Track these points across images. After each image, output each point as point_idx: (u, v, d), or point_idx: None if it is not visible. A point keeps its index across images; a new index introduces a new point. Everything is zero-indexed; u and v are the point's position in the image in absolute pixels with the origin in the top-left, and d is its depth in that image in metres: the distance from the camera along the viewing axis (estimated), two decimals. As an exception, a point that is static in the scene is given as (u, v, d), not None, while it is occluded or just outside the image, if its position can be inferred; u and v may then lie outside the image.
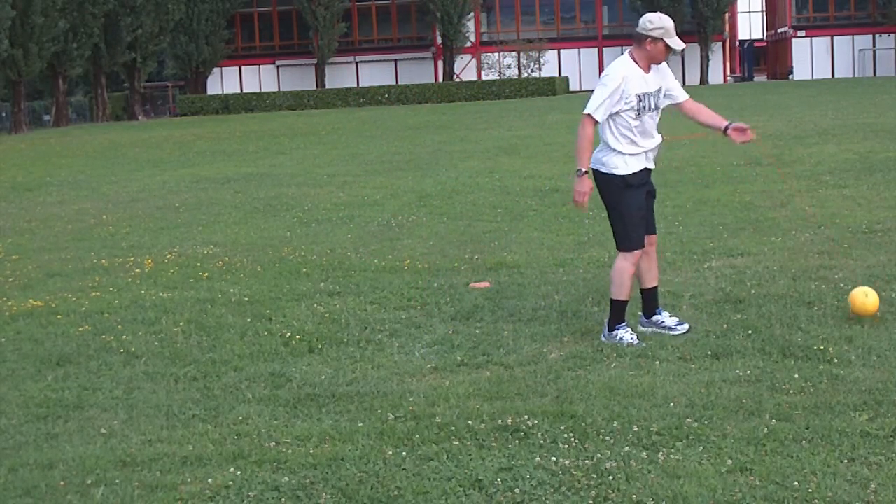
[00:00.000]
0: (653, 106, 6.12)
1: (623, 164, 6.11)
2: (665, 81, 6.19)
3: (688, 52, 66.30)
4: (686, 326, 6.33)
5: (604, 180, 6.18)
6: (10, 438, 5.11)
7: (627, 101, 6.01)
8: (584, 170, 6.12)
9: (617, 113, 6.03)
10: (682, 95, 6.26)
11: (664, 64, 6.20)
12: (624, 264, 6.20)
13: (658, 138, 6.26)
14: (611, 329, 6.22)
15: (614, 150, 6.11)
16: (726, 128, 6.18)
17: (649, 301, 6.47)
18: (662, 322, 6.39)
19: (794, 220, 10.33)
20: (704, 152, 17.52)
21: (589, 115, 6.04)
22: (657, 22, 6.00)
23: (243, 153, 24.78)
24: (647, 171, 6.23)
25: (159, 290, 8.56)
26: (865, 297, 6.36)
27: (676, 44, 6.01)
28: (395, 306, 7.51)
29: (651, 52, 6.03)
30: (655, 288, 6.48)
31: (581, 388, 5.36)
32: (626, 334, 6.17)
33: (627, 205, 6.14)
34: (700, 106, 6.31)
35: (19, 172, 23.08)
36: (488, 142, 23.88)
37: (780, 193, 12.27)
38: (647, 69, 6.08)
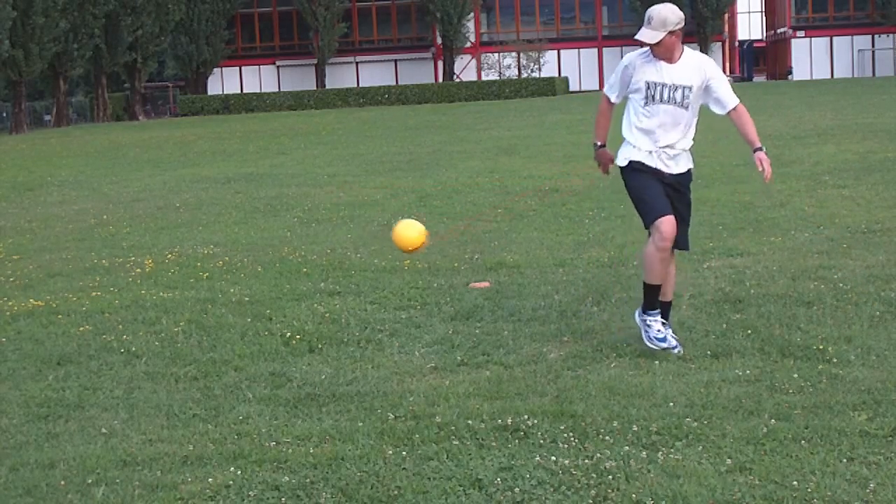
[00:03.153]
0: (669, 98, 5.87)
1: (629, 154, 6.00)
2: (710, 82, 5.93)
3: (688, 53, 66.14)
4: (680, 351, 5.95)
5: (620, 174, 6.11)
6: (11, 438, 5.12)
7: (636, 85, 5.94)
8: (598, 143, 6.19)
9: (631, 97, 6.01)
10: (725, 104, 5.96)
11: (710, 66, 5.95)
12: (649, 248, 5.94)
13: (683, 141, 5.99)
14: (644, 310, 6.04)
15: (625, 139, 6.06)
16: (755, 150, 5.95)
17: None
18: (647, 324, 6.09)
19: (793, 220, 10.34)
20: (704, 152, 17.51)
21: (604, 92, 6.20)
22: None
23: (244, 153, 24.78)
24: (658, 170, 5.96)
25: (160, 289, 8.57)
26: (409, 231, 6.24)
27: (637, 33, 5.88)
28: (395, 306, 7.52)
29: None
30: (668, 303, 6.19)
31: (581, 387, 5.37)
32: (654, 323, 5.95)
33: (633, 186, 6.00)
34: (745, 120, 5.98)
35: (20, 172, 23.08)
36: (488, 142, 23.89)
37: (779, 193, 12.27)
38: (670, 60, 5.87)
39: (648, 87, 5.91)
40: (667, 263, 6.00)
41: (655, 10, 5.81)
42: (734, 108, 5.98)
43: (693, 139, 6.08)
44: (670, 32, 5.79)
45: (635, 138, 5.99)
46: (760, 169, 5.92)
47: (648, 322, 5.99)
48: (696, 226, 10.25)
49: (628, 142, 6.04)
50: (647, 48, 5.92)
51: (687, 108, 5.93)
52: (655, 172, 5.98)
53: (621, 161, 6.06)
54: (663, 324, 6.04)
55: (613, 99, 6.13)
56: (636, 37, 5.87)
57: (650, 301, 6.03)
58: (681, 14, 5.84)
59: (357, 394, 5.48)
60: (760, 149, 5.94)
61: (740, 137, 6.07)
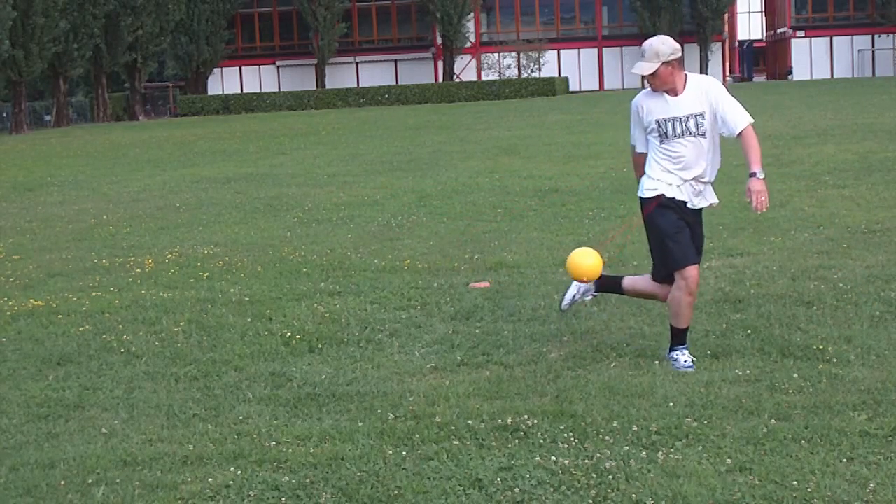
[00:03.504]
0: (683, 130, 5.72)
1: (651, 186, 5.83)
2: (716, 105, 5.74)
3: (687, 53, 66.12)
4: (691, 368, 5.79)
5: (641, 207, 5.94)
6: (11, 438, 5.12)
7: (649, 126, 5.80)
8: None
9: (649, 138, 5.87)
10: (732, 128, 5.73)
11: (714, 86, 5.80)
12: (678, 294, 5.77)
13: (710, 170, 5.83)
14: (670, 350, 5.90)
15: (646, 173, 5.89)
16: (750, 175, 5.69)
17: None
18: (674, 358, 5.91)
19: (793, 220, 10.35)
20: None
21: (631, 144, 6.07)
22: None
23: (244, 153, 24.78)
24: (683, 203, 5.79)
25: (160, 289, 8.57)
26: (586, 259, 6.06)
27: (635, 67, 5.79)
28: (395, 306, 7.52)
29: None
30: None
31: (581, 387, 5.37)
32: (681, 356, 5.83)
33: (662, 225, 5.77)
34: (750, 144, 5.72)
35: (20, 172, 23.08)
36: (488, 142, 23.89)
37: (779, 193, 12.27)
38: (675, 91, 5.75)
39: (660, 125, 5.76)
40: (692, 307, 5.89)
41: (648, 43, 5.75)
42: (741, 133, 5.73)
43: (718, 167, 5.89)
44: (665, 63, 5.67)
45: (660, 175, 5.81)
46: (748, 199, 5.67)
47: (675, 357, 5.84)
48: (696, 226, 10.28)
49: (649, 176, 5.86)
50: (647, 87, 5.86)
51: (704, 135, 5.75)
52: (680, 208, 5.80)
53: (646, 193, 5.85)
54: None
55: (640, 148, 5.97)
56: (633, 70, 5.81)
57: (680, 339, 5.89)
58: (675, 45, 5.72)
59: (357, 394, 5.48)
60: (755, 174, 5.64)
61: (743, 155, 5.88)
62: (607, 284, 6.35)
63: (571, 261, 6.11)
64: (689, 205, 5.81)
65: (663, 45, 5.70)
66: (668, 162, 5.77)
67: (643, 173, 5.96)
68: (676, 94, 5.76)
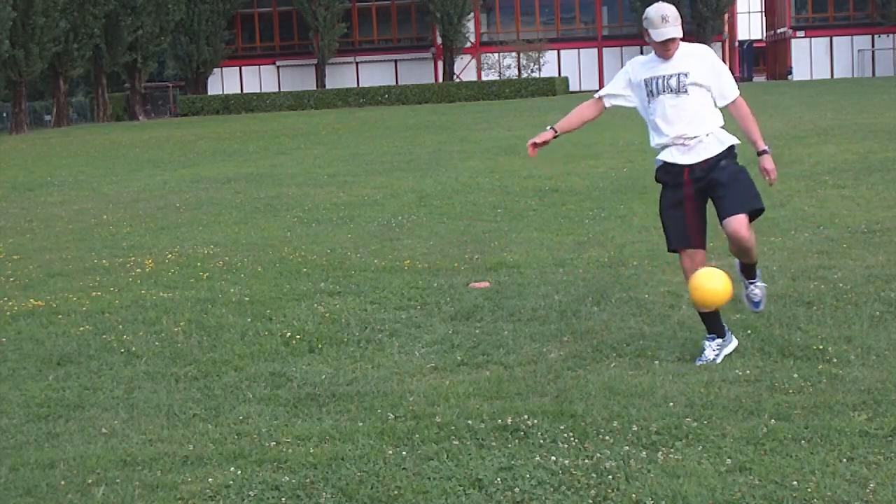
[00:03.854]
0: (664, 87, 5.74)
1: (656, 160, 5.95)
2: (707, 73, 5.76)
3: (688, 53, 66.03)
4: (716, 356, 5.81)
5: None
6: (11, 438, 5.12)
7: (638, 85, 5.91)
8: (550, 126, 6.19)
9: (639, 107, 5.98)
10: (723, 98, 5.80)
11: (709, 54, 5.84)
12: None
13: (693, 128, 5.74)
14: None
15: (652, 147, 6.01)
16: (760, 153, 5.81)
17: (707, 322, 5.94)
18: (704, 353, 5.86)
19: (793, 220, 10.34)
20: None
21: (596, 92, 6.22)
22: (645, 13, 5.83)
23: (244, 153, 24.78)
24: (680, 167, 5.78)
25: (160, 289, 8.57)
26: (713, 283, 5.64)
27: (656, 35, 5.71)
28: (395, 306, 7.52)
29: (651, 44, 5.86)
30: (752, 265, 6.06)
31: (581, 387, 5.37)
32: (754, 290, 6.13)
33: (660, 205, 5.95)
34: (745, 115, 5.82)
35: (20, 172, 23.09)
36: (488, 142, 23.89)
37: (779, 193, 12.27)
38: (666, 57, 5.78)
39: (647, 84, 5.84)
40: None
41: (668, 8, 5.70)
42: (732, 102, 5.82)
43: (718, 125, 5.81)
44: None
45: (652, 138, 5.93)
46: (765, 178, 5.80)
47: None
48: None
49: (652, 147, 5.99)
50: (649, 54, 5.92)
51: (686, 92, 5.73)
52: (676, 176, 5.81)
53: (657, 167, 5.98)
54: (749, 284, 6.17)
55: (600, 93, 6.11)
56: (662, 36, 5.69)
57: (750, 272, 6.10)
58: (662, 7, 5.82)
59: (357, 394, 5.48)
60: (766, 151, 5.77)
61: (740, 137, 5.96)
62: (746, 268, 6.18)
63: (703, 290, 5.58)
64: (684, 163, 5.77)
65: (678, 12, 5.80)
66: (654, 122, 5.87)
67: (573, 118, 6.22)
68: (668, 58, 5.81)
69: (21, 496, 4.39)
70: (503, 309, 7.21)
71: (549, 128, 6.17)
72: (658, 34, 5.71)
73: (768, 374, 5.44)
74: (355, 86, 63.56)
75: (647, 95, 5.88)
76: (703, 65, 5.81)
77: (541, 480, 4.24)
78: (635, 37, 63.38)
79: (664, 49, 5.76)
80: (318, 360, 6.22)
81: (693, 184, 5.79)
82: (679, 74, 5.77)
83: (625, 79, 6.00)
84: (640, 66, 5.97)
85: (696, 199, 5.81)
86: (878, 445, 4.44)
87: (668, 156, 5.84)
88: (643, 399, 5.14)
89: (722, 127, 5.84)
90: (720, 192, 5.73)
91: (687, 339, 6.16)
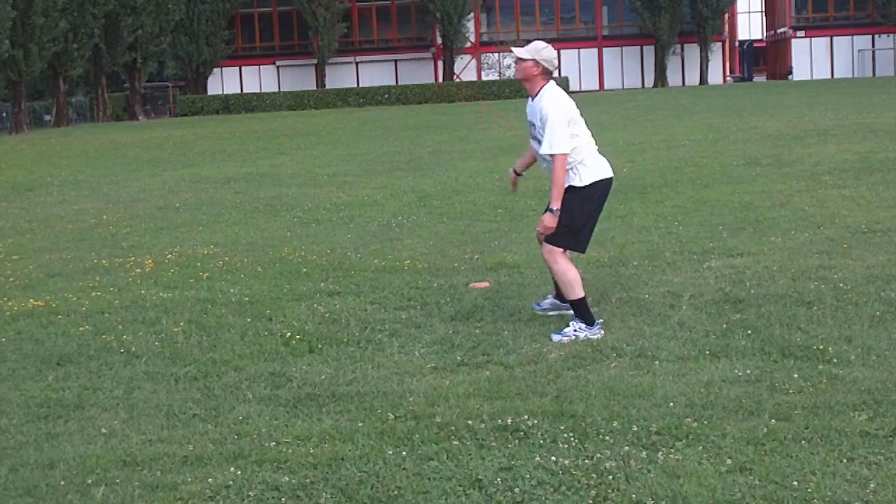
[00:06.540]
0: (529, 132, 6.52)
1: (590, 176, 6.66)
2: (542, 126, 6.37)
3: (687, 53, 66.24)
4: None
5: None
6: (10, 438, 5.12)
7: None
8: (511, 169, 7.34)
9: None
10: (542, 148, 6.35)
11: (546, 104, 6.30)
12: None
13: (541, 163, 6.54)
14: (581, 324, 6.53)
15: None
16: (549, 209, 6.39)
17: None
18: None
19: (793, 220, 10.34)
20: (704, 152, 17.53)
21: None
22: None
23: (244, 153, 24.78)
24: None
25: (160, 289, 8.57)
26: None
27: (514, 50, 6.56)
28: (395, 306, 7.52)
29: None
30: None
31: (581, 387, 5.37)
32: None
33: (592, 211, 6.77)
34: (554, 178, 6.36)
35: (20, 172, 23.09)
36: (488, 142, 23.89)
37: (779, 193, 12.28)
38: (532, 94, 6.46)
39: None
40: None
41: (536, 42, 6.39)
42: (552, 156, 6.30)
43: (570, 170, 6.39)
44: (535, 61, 6.27)
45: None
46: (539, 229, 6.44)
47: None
48: (695, 226, 10.28)
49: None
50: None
51: (540, 142, 6.34)
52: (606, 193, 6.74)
53: None
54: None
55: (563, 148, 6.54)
56: (513, 51, 6.44)
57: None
58: (552, 53, 6.33)
59: (357, 394, 5.48)
60: (552, 210, 6.36)
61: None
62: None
63: None
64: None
65: (545, 50, 6.34)
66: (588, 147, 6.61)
67: (528, 153, 6.93)
68: (532, 99, 6.45)
69: (21, 496, 4.39)
70: (503, 309, 7.21)
71: (511, 170, 7.16)
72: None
73: (768, 374, 5.44)
74: (355, 86, 63.60)
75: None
76: (540, 117, 6.40)
77: (541, 480, 4.24)
78: (635, 37, 63.41)
79: (516, 72, 6.56)
80: (318, 360, 6.22)
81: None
82: (531, 125, 6.50)
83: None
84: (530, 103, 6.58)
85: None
86: (879, 445, 4.44)
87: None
88: (643, 399, 5.14)
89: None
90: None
91: (687, 340, 6.16)
